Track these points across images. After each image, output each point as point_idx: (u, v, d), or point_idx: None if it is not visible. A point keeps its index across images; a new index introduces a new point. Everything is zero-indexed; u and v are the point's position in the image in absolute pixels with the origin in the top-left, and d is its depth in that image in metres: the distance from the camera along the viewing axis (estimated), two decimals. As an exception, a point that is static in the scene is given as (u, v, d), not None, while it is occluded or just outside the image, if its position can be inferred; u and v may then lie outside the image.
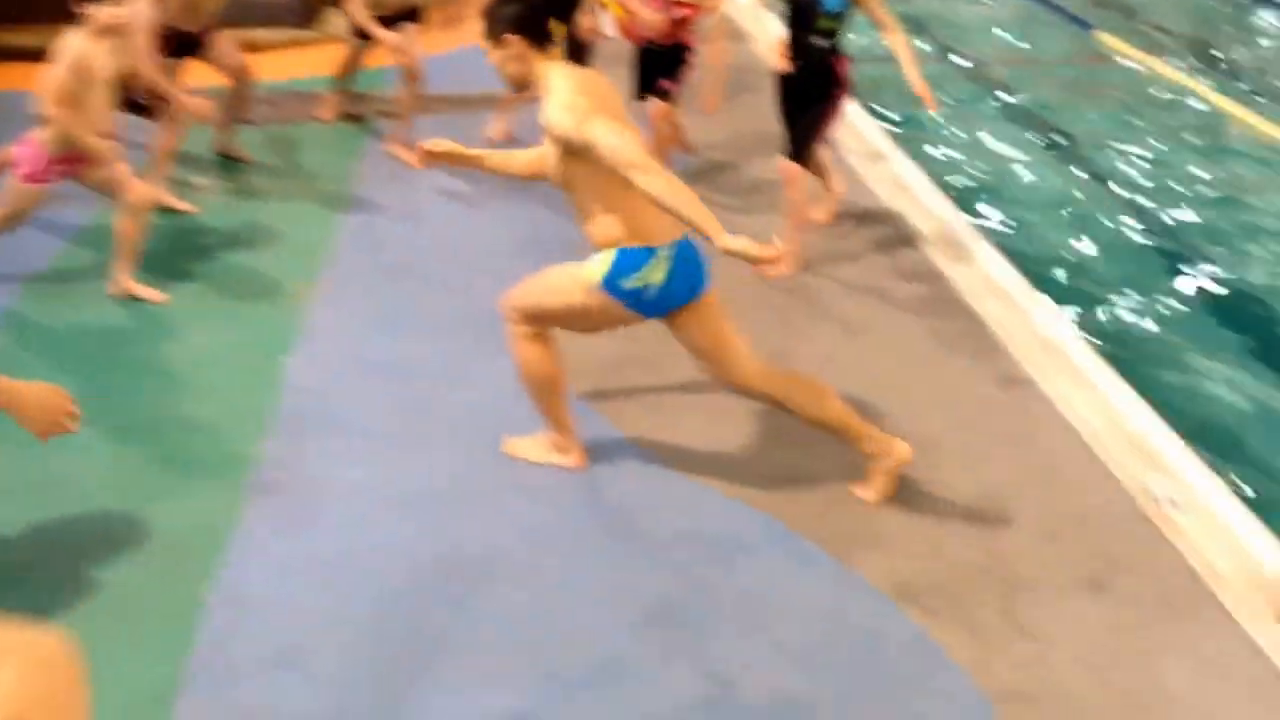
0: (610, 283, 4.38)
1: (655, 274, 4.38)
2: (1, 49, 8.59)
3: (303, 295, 6.06)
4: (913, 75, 6.30)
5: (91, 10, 5.65)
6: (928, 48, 12.03)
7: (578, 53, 7.03)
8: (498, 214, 6.94)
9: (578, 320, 4.57)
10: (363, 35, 7.78)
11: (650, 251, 4.35)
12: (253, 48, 8.64)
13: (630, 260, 4.35)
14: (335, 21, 9.75)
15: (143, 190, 5.87)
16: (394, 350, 5.64)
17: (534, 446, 4.87)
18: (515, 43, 4.31)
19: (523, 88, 4.46)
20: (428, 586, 4.17)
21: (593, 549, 4.43)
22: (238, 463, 4.75)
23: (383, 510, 4.56)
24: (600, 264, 4.38)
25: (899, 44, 6.32)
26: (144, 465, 4.76)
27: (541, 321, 4.57)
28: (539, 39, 4.33)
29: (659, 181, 4.11)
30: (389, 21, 7.62)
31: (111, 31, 5.77)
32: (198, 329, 5.74)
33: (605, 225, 4.36)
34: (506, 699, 3.69)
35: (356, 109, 8.49)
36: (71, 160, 5.73)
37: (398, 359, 5.56)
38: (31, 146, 5.72)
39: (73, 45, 5.66)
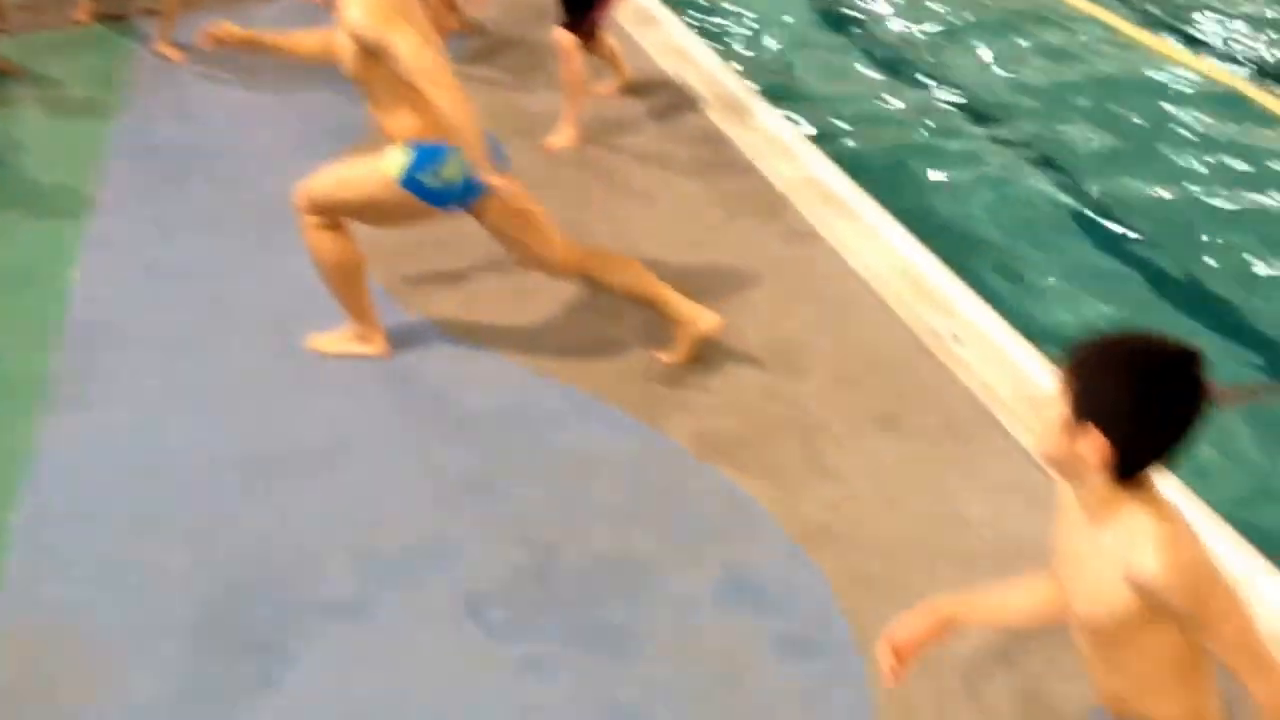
0: (410, 180, 4.37)
1: (454, 170, 4.38)
2: None
3: (81, 205, 5.88)
4: None
5: None
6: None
7: None
8: (274, 110, 6.80)
9: (375, 215, 4.55)
10: None
11: (449, 148, 4.35)
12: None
13: (429, 156, 4.34)
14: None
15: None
16: (182, 253, 5.54)
17: (336, 339, 4.85)
18: None
19: None
20: (239, 488, 4.18)
21: (401, 433, 4.48)
22: (30, 381, 4.66)
23: (185, 416, 4.52)
24: (399, 160, 4.36)
25: None
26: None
27: (336, 213, 4.54)
28: None
29: (447, 97, 4.14)
30: None
31: None
32: (-27, 250, 5.56)
33: (401, 118, 4.34)
34: (333, 591, 3.75)
35: (118, 9, 8.16)
36: None
37: (187, 262, 5.47)
38: None
39: None
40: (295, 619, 3.64)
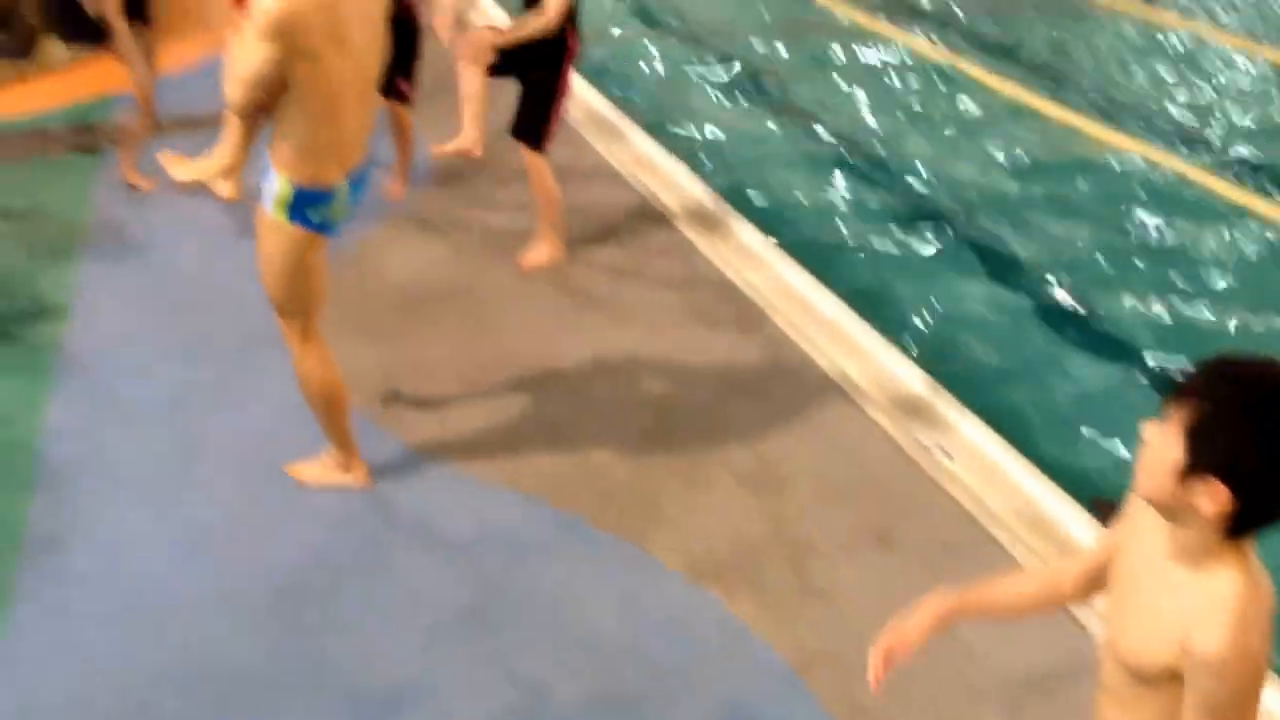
0: (295, 214, 4.29)
1: (336, 211, 4.35)
2: None
3: (53, 338, 5.82)
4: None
5: None
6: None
7: None
8: (241, 238, 6.72)
9: (301, 268, 4.40)
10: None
11: (330, 194, 4.30)
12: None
13: (308, 199, 4.27)
14: (54, 52, 9.36)
15: None
16: (156, 382, 5.45)
17: (317, 469, 4.79)
18: None
19: None
20: (221, 626, 4.08)
21: (385, 565, 4.40)
22: (4, 523, 4.55)
23: (166, 553, 4.43)
24: (279, 200, 4.27)
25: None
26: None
27: (292, 302, 4.46)
28: None
29: (231, 98, 4.13)
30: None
31: None
32: (-55, 387, 5.47)
33: (286, 137, 4.23)
34: (316, 734, 3.65)
35: (87, 140, 8.11)
36: None
37: (161, 391, 5.38)
38: None
39: None
40: (284, 767, 3.55)
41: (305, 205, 4.28)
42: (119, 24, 7.02)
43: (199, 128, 7.91)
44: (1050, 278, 6.96)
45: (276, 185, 4.28)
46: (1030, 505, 4.57)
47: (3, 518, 4.59)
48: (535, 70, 6.33)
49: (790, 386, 5.47)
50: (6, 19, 9.41)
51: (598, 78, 9.66)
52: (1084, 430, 5.49)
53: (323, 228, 4.36)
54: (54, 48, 9.40)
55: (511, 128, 6.46)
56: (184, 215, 7.12)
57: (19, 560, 4.37)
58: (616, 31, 11.87)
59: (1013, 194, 8.16)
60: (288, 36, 4.01)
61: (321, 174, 4.26)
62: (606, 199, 7.35)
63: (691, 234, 6.91)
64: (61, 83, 9.05)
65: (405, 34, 6.63)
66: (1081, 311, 6.63)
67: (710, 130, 9.26)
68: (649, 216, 7.16)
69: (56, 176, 7.63)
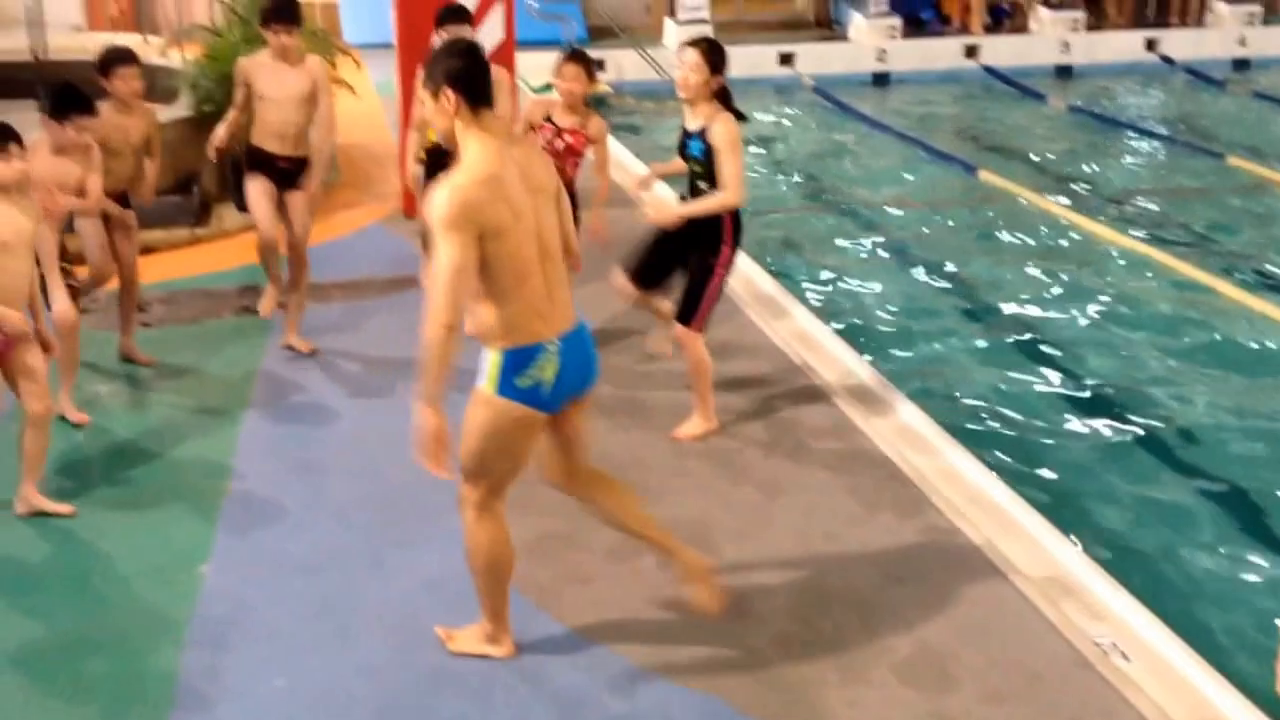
0: (504, 386, 4.27)
1: (546, 371, 4.29)
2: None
3: (214, 496, 5.88)
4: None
5: None
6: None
7: None
8: (397, 400, 6.78)
9: (503, 446, 4.38)
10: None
11: (538, 348, 4.27)
12: (148, 249, 8.40)
13: (517, 360, 4.26)
14: (229, 218, 9.68)
15: (45, 402, 5.63)
16: (310, 546, 5.47)
17: (467, 637, 4.72)
18: (450, 98, 4.20)
19: (452, 146, 4.33)
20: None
21: (527, 742, 4.29)
22: (157, 680, 4.56)
23: (308, 718, 4.38)
24: (490, 372, 4.28)
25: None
26: (56, 691, 4.55)
27: (482, 472, 4.42)
28: (473, 99, 4.22)
29: (430, 308, 4.11)
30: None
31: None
32: (109, 541, 5.53)
33: (488, 317, 4.27)
34: None
35: (253, 304, 8.30)
36: None
37: (315, 555, 5.40)
38: None
39: None
40: None
41: (514, 371, 4.26)
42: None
43: (356, 292, 8.10)
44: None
45: (488, 360, 4.30)
46: (1214, 714, 4.28)
47: (158, 672, 4.62)
48: (693, 251, 6.38)
49: (953, 574, 5.25)
50: (187, 185, 9.78)
51: (760, 253, 9.69)
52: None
53: (534, 396, 4.30)
54: (228, 213, 9.72)
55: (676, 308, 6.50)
56: (342, 377, 7.22)
57: (170, 717, 4.37)
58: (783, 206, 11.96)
59: (1179, 378, 7.93)
60: (472, 219, 4.09)
61: (526, 333, 4.26)
62: (767, 374, 7.27)
63: (852, 412, 6.78)
64: (232, 246, 9.34)
65: None
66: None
67: (875, 307, 9.20)
68: (809, 393, 7.05)
69: (224, 337, 7.81)
